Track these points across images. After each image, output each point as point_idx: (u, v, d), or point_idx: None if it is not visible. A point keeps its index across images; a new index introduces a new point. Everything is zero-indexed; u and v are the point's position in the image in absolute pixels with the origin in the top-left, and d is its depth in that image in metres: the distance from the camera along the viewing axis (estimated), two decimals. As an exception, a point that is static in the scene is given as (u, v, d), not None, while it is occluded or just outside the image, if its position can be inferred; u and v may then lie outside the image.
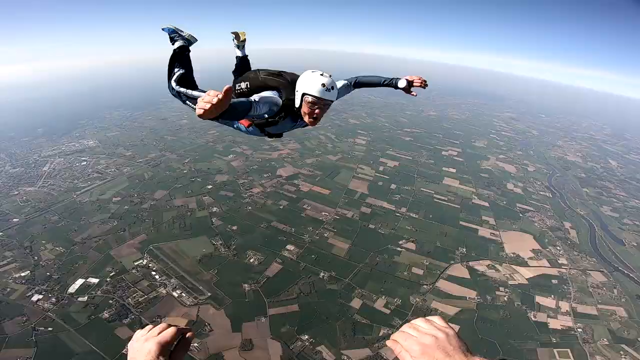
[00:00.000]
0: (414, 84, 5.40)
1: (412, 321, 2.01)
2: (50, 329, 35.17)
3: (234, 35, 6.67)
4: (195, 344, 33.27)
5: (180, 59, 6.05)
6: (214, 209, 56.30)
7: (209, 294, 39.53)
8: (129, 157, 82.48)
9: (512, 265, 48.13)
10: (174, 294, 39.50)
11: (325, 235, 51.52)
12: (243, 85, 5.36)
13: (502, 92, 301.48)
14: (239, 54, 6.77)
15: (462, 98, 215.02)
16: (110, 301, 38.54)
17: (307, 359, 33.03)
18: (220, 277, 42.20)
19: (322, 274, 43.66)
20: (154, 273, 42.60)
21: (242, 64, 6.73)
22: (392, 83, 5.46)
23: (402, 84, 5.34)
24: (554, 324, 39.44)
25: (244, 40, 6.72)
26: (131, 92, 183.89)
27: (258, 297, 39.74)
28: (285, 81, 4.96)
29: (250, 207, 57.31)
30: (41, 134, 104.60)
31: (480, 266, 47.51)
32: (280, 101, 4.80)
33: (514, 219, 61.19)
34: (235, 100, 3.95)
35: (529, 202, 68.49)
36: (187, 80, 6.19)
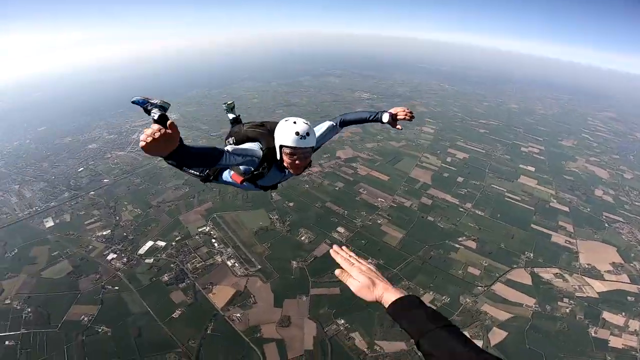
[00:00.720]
0: (398, 117, 5.30)
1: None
2: (116, 288, 39.28)
3: (225, 106, 7.77)
4: (238, 314, 35.20)
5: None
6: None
7: (259, 267, 41.25)
8: (205, 131, 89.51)
9: (584, 277, 42.63)
10: (228, 262, 41.92)
11: (379, 222, 50.49)
12: (230, 141, 5.32)
13: (604, 89, 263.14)
14: (231, 117, 7.67)
15: (551, 92, 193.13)
16: (172, 265, 42.08)
17: (339, 343, 33.09)
18: (272, 251, 43.78)
19: (369, 260, 42.99)
20: (213, 241, 45.63)
21: (237, 123, 7.29)
22: (377, 118, 5.39)
23: (385, 118, 5.26)
24: (615, 342, 34.38)
25: (232, 105, 7.84)
26: (211, 72, 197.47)
27: (303, 275, 40.45)
28: (265, 131, 4.83)
29: (307, 186, 58.28)
30: (132, 107, 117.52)
31: (547, 274, 42.90)
32: (259, 153, 4.63)
33: (598, 228, 53.79)
34: (202, 145, 3.86)
35: (618, 212, 59.47)
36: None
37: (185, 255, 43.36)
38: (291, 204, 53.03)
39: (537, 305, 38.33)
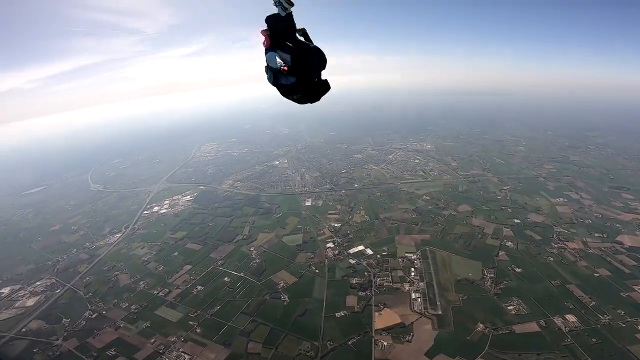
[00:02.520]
0: None
1: None
2: (317, 271, 47.07)
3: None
4: (385, 342, 34.87)
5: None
6: (509, 243, 51.37)
7: (439, 312, 38.32)
8: (453, 167, 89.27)
9: None
10: (413, 295, 41.23)
11: (639, 327, 35.68)
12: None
13: None
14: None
15: None
16: (366, 273, 45.75)
17: None
18: (464, 304, 39.58)
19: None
20: (412, 269, 46.01)
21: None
22: None
23: None
24: None
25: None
26: (472, 111, 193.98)
27: (482, 342, 34.58)
28: None
29: (551, 259, 47.61)
30: (395, 131, 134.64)
31: None
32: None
33: None
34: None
35: None
36: None
37: (381, 270, 46.17)
38: (518, 270, 45.25)
39: None
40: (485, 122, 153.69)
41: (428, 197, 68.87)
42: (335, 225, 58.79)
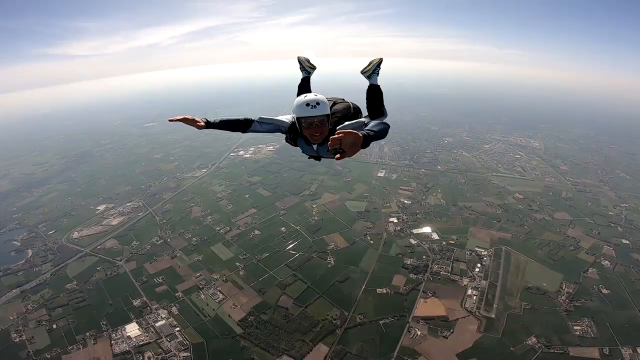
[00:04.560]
0: None
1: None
2: (372, 242, 45.22)
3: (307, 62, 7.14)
4: (419, 332, 32.09)
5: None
6: (605, 262, 42.58)
7: (493, 316, 33.78)
8: (561, 171, 76.01)
9: None
10: (469, 291, 36.94)
11: None
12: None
13: None
14: (303, 75, 7.18)
15: None
16: (424, 257, 42.22)
17: None
18: (525, 314, 34.39)
19: None
20: (478, 265, 41.10)
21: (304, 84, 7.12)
22: None
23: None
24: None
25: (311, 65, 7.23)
26: (601, 117, 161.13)
27: (528, 355, 30.41)
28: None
29: None
30: (498, 122, 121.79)
31: None
32: (287, 124, 5.28)
33: None
34: (232, 119, 5.10)
35: None
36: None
37: (443, 258, 42.18)
38: (605, 291, 37.50)
39: None
40: (616, 130, 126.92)
41: (521, 196, 60.16)
42: (405, 201, 55.63)
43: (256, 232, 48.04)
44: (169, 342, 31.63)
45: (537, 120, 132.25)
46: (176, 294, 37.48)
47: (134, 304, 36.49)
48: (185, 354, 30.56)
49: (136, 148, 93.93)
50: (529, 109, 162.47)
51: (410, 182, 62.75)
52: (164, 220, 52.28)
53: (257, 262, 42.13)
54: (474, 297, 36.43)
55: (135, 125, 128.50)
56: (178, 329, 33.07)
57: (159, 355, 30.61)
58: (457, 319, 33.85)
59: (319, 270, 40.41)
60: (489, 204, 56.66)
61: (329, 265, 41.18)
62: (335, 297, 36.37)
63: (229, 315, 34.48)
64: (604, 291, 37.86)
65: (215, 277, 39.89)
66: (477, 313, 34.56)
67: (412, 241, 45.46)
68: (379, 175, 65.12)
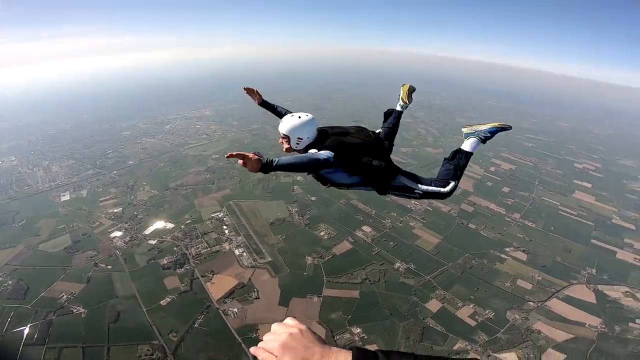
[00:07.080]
0: None
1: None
2: (109, 267, 35.90)
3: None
4: (235, 309, 30.45)
5: None
6: (298, 177, 54.02)
7: (269, 259, 36.79)
8: (235, 126, 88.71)
9: (660, 296, 34.97)
10: (236, 251, 37.80)
11: (411, 224, 44.76)
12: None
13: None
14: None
15: (609, 117, 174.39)
16: (175, 248, 38.48)
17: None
18: (286, 244, 39.40)
19: (397, 264, 37.11)
20: (225, 227, 42.01)
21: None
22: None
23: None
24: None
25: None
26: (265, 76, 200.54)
27: (318, 273, 35.35)
28: None
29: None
30: (168, 102, 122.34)
31: (614, 292, 35.46)
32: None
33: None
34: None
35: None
36: None
37: (192, 239, 39.72)
38: (313, 198, 48.69)
39: (603, 326, 31.30)
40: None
41: (217, 156, 65.59)
42: (115, 210, 46.22)
43: None
44: None
45: (212, 92, 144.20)
46: None
47: None
48: None
49: None
50: (190, 86, 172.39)
51: (108, 189, 52.18)
52: None
53: None
54: (244, 254, 37.36)
55: None
56: None
57: None
58: (250, 278, 33.96)
59: (76, 326, 28.53)
60: (197, 173, 57.73)
61: (82, 316, 29.51)
62: (127, 337, 27.59)
63: None
64: (312, 198, 49.15)
65: None
66: (257, 264, 35.92)
67: (151, 242, 39.51)
68: (63, 199, 49.55)
